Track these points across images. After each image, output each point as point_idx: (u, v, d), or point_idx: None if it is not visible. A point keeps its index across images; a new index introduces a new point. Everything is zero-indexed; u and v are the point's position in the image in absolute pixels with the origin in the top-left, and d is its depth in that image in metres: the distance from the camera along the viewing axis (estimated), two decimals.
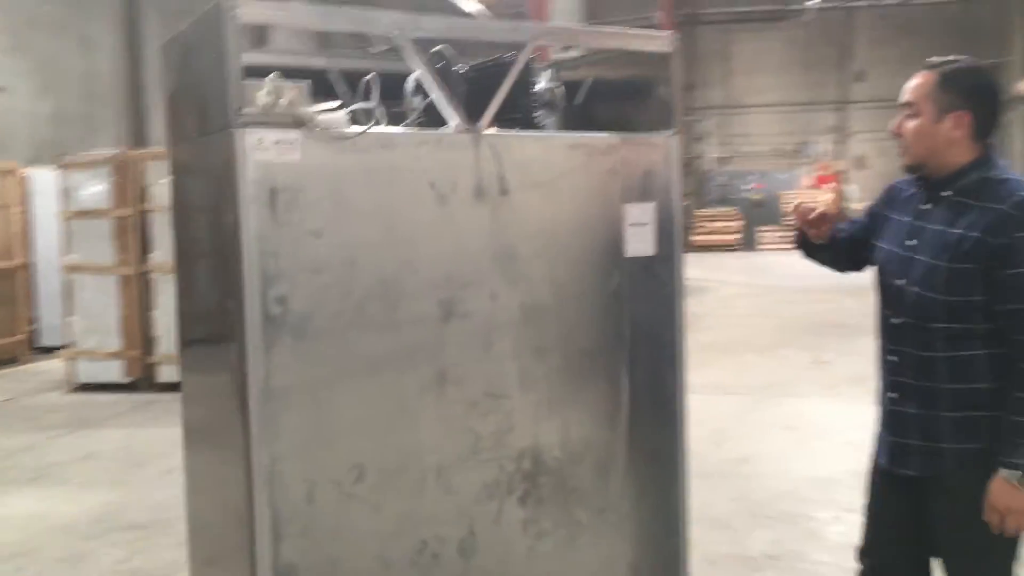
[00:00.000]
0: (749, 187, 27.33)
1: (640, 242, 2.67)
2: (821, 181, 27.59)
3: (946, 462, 2.39)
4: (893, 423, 2.51)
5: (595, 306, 2.64)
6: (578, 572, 2.67)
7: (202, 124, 2.36)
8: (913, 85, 2.43)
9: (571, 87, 3.02)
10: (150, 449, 6.24)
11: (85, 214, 8.17)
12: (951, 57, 2.46)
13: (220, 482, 2.49)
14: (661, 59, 2.72)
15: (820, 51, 27.88)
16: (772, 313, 12.35)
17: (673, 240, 2.72)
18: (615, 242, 2.64)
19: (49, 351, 9.75)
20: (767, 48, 27.90)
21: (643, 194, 2.67)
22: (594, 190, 2.61)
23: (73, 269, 8.26)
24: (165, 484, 5.47)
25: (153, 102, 19.24)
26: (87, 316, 8.24)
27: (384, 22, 2.33)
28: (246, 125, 2.14)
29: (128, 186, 8.03)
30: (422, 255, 2.38)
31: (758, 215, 26.41)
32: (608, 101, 3.03)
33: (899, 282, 2.41)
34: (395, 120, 2.55)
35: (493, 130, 2.48)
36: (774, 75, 27.56)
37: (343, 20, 2.29)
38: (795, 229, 2.76)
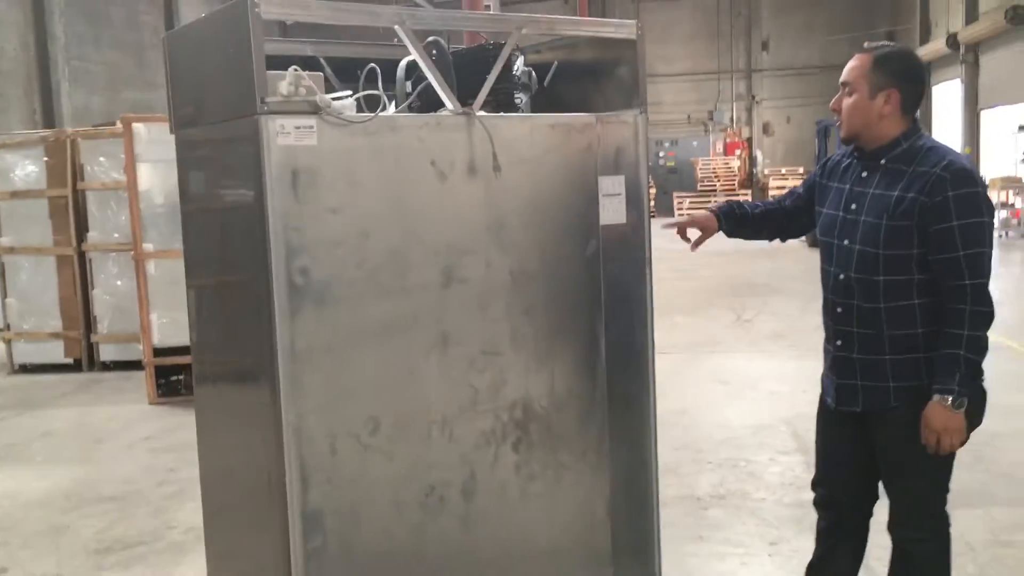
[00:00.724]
0: (663, 155, 27.98)
1: (613, 211, 2.97)
2: (731, 148, 28.44)
3: (888, 399, 2.75)
4: (839, 367, 2.86)
5: (575, 270, 2.92)
6: (563, 509, 2.97)
7: (223, 111, 2.55)
8: (850, 67, 2.77)
9: (538, 70, 3.28)
10: (106, 426, 6.34)
11: (19, 195, 8.09)
12: (883, 42, 2.81)
13: (244, 442, 2.70)
14: (627, 44, 3.01)
15: (728, 21, 28.59)
16: (693, 276, 12.87)
17: (642, 209, 3.02)
18: (592, 211, 2.93)
19: None
20: (677, 18, 28.50)
21: (615, 167, 2.96)
22: (573, 165, 2.89)
23: (8, 251, 8.18)
24: (128, 458, 5.61)
25: (64, 77, 18.76)
26: (24, 298, 8.19)
27: (387, 15, 2.56)
28: (270, 113, 2.35)
29: (63, 166, 7.95)
30: (426, 227, 2.63)
31: (673, 181, 27.10)
32: (573, 82, 3.30)
33: (845, 242, 2.76)
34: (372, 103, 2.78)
35: (483, 112, 2.73)
36: (684, 45, 28.18)
37: (353, 14, 2.51)
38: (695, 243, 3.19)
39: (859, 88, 2.73)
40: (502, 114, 2.85)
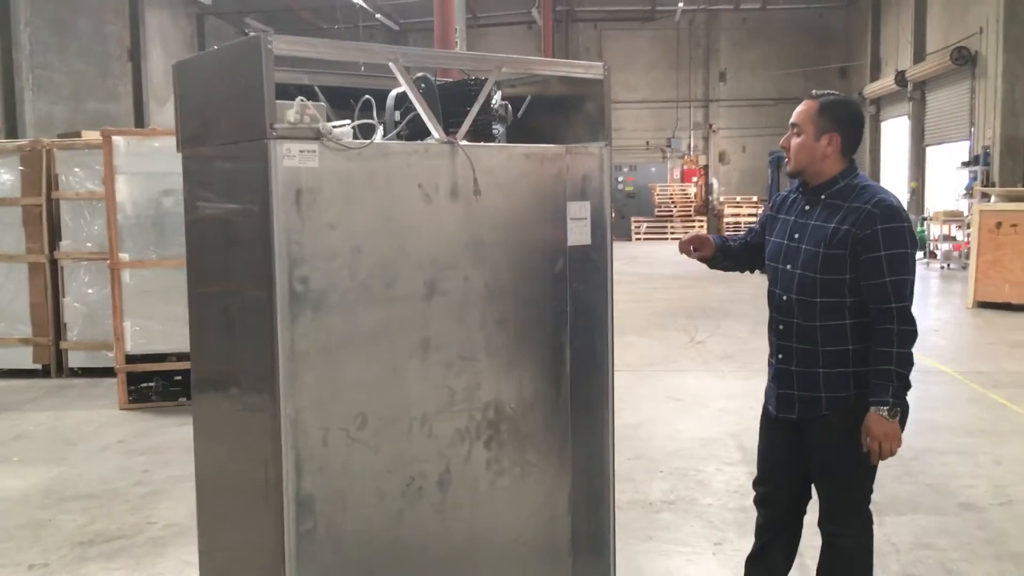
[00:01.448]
0: (621, 180, 28.50)
1: (579, 233, 3.29)
2: (688, 175, 29.07)
3: (820, 407, 3.09)
4: (779, 378, 3.20)
5: (544, 285, 3.24)
6: (529, 502, 3.27)
7: (233, 133, 2.83)
8: (799, 110, 3.13)
9: (513, 102, 3.60)
10: (78, 429, 6.50)
11: None
12: (829, 92, 3.17)
13: (242, 436, 2.96)
14: (595, 83, 3.34)
15: (687, 51, 29.30)
16: (648, 298, 13.27)
17: (605, 232, 3.34)
18: (560, 233, 3.25)
19: None
20: (639, 47, 29.15)
21: (582, 194, 3.28)
22: (544, 190, 3.21)
23: None
24: (103, 460, 5.80)
25: (28, 85, 18.75)
26: None
27: (383, 52, 2.87)
28: (278, 138, 2.64)
29: (38, 175, 8.11)
30: (412, 243, 2.92)
31: (631, 206, 27.62)
32: (544, 115, 3.62)
33: (788, 267, 3.11)
34: (369, 130, 3.08)
35: (464, 142, 3.04)
36: (645, 73, 28.81)
37: (354, 52, 2.82)
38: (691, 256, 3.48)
39: (806, 130, 3.09)
40: (482, 143, 3.16)
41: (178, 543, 4.35)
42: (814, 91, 3.18)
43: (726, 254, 3.51)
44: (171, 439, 6.22)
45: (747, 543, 3.66)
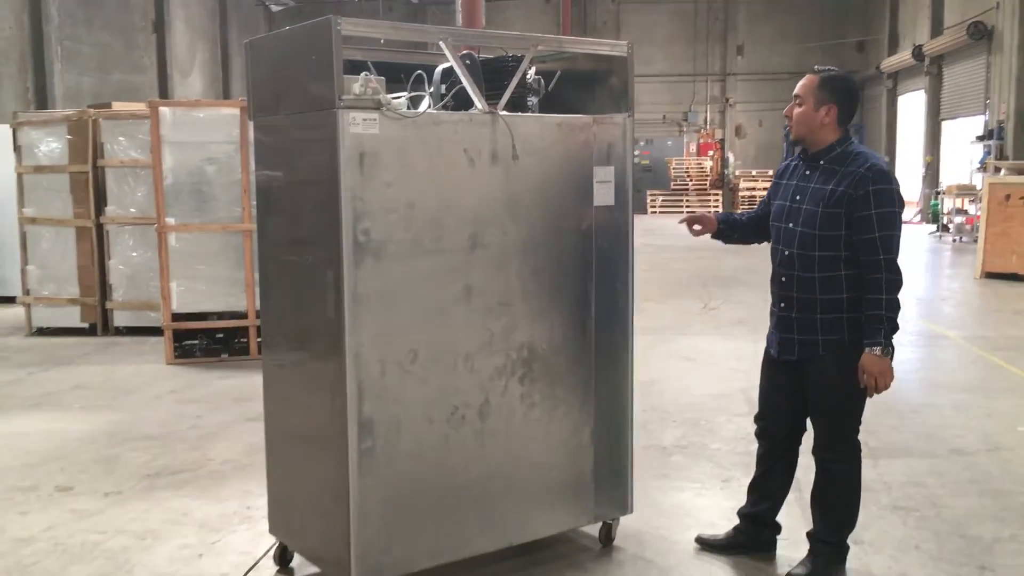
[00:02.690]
0: (637, 153, 28.74)
1: (604, 195, 3.69)
2: (704, 148, 29.28)
3: (817, 349, 3.49)
4: (781, 325, 3.60)
5: (573, 240, 3.65)
6: (557, 433, 3.69)
7: (304, 104, 3.23)
8: (801, 83, 3.51)
9: (545, 76, 3.99)
10: (132, 381, 6.98)
11: (42, 169, 8.68)
12: (828, 67, 3.55)
13: (310, 372, 3.40)
14: (620, 60, 3.73)
15: (705, 25, 29.42)
16: (664, 268, 13.65)
17: (627, 194, 3.75)
18: (587, 194, 3.65)
19: (4, 301, 10.14)
20: (656, 21, 29.28)
21: (607, 160, 3.68)
22: (573, 156, 3.61)
23: (30, 221, 8.77)
24: (160, 406, 6.27)
25: (57, 57, 19.20)
26: (44, 266, 8.79)
27: (434, 32, 3.27)
28: (346, 108, 3.05)
29: (85, 144, 8.55)
30: (458, 201, 3.34)
31: (647, 179, 27.86)
32: (572, 88, 4.01)
33: (790, 225, 3.51)
34: (418, 101, 3.48)
35: (504, 112, 3.44)
36: (662, 47, 28.96)
37: (408, 32, 3.22)
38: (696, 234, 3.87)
39: (807, 101, 3.48)
40: (519, 114, 3.56)
41: (237, 476, 4.80)
42: (816, 66, 3.56)
43: (733, 227, 3.89)
44: (218, 389, 6.69)
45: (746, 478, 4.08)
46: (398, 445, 3.29)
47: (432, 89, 3.59)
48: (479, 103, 3.38)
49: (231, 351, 7.72)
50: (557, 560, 3.79)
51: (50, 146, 8.70)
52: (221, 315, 7.78)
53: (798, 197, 3.53)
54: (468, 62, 3.46)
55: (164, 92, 22.84)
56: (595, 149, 3.65)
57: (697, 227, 3.88)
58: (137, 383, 6.89)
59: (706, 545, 3.91)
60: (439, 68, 3.60)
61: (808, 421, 3.65)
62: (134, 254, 8.59)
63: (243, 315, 7.69)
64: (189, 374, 7.21)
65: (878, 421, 5.50)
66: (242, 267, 7.65)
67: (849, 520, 3.59)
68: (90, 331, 8.79)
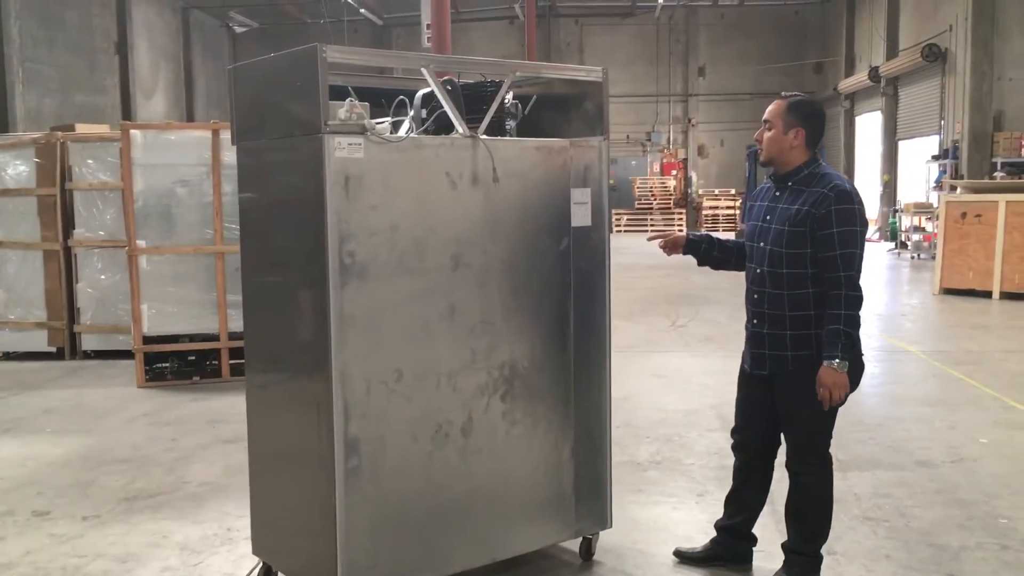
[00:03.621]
0: None
1: (581, 216, 3.79)
2: (668, 168, 29.63)
3: (787, 364, 3.60)
4: (753, 340, 3.71)
5: (552, 260, 3.73)
6: (538, 449, 3.76)
7: (288, 128, 3.29)
8: (770, 109, 3.64)
9: (521, 101, 4.09)
10: (103, 404, 6.94)
11: (9, 192, 8.62)
12: (796, 93, 3.69)
13: (295, 392, 3.44)
14: (595, 85, 3.84)
15: (667, 46, 29.84)
16: (631, 287, 13.80)
17: (603, 215, 3.84)
18: (565, 215, 3.74)
19: None
20: (619, 43, 29.65)
21: (584, 182, 3.78)
22: (551, 178, 3.70)
23: None
24: (132, 430, 6.24)
25: (18, 78, 19.02)
26: (12, 289, 8.71)
27: (415, 59, 3.36)
28: (331, 132, 3.12)
29: (53, 166, 8.51)
30: (440, 222, 3.41)
31: (612, 198, 27.99)
32: (548, 112, 4.11)
33: (760, 244, 3.62)
34: (396, 125, 3.56)
35: (484, 136, 3.53)
36: (625, 68, 29.28)
37: (392, 59, 3.29)
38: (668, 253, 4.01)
39: (776, 125, 3.61)
40: (499, 137, 3.65)
41: (215, 498, 4.81)
42: (783, 92, 3.71)
43: (712, 245, 3.98)
44: (191, 412, 6.67)
45: (724, 492, 4.17)
46: (384, 463, 3.34)
47: (413, 114, 3.67)
48: (460, 127, 3.47)
49: (203, 373, 7.70)
50: (540, 575, 3.85)
51: (17, 169, 8.65)
52: (192, 337, 7.76)
53: (768, 217, 3.65)
54: (449, 88, 3.54)
55: (127, 113, 22.69)
56: (572, 171, 3.75)
57: (668, 247, 3.98)
58: (109, 406, 6.86)
59: (684, 558, 3.99)
60: (419, 93, 3.68)
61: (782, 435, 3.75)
62: (103, 277, 8.55)
63: (215, 337, 7.68)
64: (161, 397, 7.18)
65: (846, 434, 5.63)
66: (214, 289, 7.65)
67: (822, 531, 3.70)
68: (58, 355, 8.71)
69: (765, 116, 3.64)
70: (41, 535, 4.33)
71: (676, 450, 5.64)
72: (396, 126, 3.50)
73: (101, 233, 8.52)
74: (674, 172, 29.35)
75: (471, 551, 3.60)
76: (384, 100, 3.71)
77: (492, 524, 3.64)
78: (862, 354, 3.57)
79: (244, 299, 3.72)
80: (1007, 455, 5.47)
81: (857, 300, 3.45)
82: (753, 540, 3.92)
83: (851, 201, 3.48)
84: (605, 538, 4.08)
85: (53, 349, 8.75)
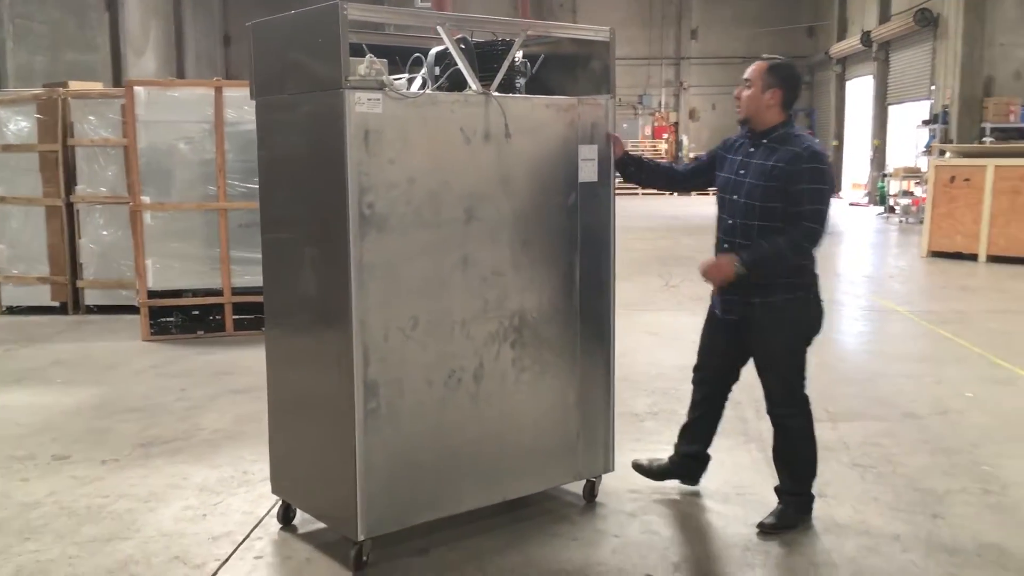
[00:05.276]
0: None
1: (588, 172, 3.93)
2: (659, 131, 29.68)
3: (755, 309, 3.81)
4: (724, 287, 3.88)
5: (560, 214, 3.88)
6: (545, 395, 3.93)
7: (309, 84, 3.41)
8: (751, 68, 3.84)
9: (529, 59, 4.21)
10: (110, 356, 7.08)
11: (11, 148, 8.68)
12: (776, 55, 3.86)
13: (316, 340, 3.59)
14: (602, 45, 3.96)
15: (660, 9, 29.74)
16: (625, 248, 13.87)
17: (609, 171, 3.99)
18: (573, 171, 3.88)
19: None
20: (611, 4, 29.51)
21: (591, 139, 3.91)
22: (560, 136, 3.84)
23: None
24: (141, 381, 6.39)
25: (8, 35, 18.88)
26: (14, 245, 8.80)
27: (431, 17, 3.47)
28: (352, 88, 3.24)
29: (54, 123, 8.56)
30: (454, 177, 3.55)
31: None
32: (555, 71, 4.23)
33: (734, 197, 3.81)
34: (410, 83, 3.67)
35: (496, 93, 3.65)
36: (618, 30, 28.91)
37: (408, 16, 3.41)
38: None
39: (755, 84, 3.80)
40: (511, 95, 3.77)
41: (229, 444, 4.97)
42: (764, 54, 3.88)
43: (640, 168, 4.21)
44: (198, 364, 6.82)
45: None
46: (401, 406, 3.50)
47: (425, 71, 3.78)
48: (474, 84, 3.59)
49: (207, 328, 7.84)
50: (546, 515, 4.05)
51: (19, 125, 8.70)
52: (196, 292, 7.89)
53: (742, 171, 3.83)
54: (463, 46, 3.65)
55: (117, 71, 22.53)
56: (580, 128, 3.88)
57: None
58: (116, 359, 7.00)
59: (642, 471, 4.32)
60: (433, 51, 3.79)
61: (740, 373, 4.07)
62: (104, 233, 8.65)
63: (219, 292, 7.80)
64: (167, 350, 7.33)
65: (836, 388, 5.84)
66: (217, 245, 7.76)
67: (811, 470, 3.92)
68: (61, 310, 8.83)
69: (745, 75, 3.83)
70: (63, 476, 4.49)
71: (672, 402, 5.82)
72: (411, 83, 3.62)
73: (103, 189, 8.60)
74: (665, 136, 29.43)
75: (481, 491, 3.78)
76: (399, 57, 3.83)
77: (501, 466, 3.82)
78: (820, 299, 3.85)
79: (264, 252, 3.85)
80: (990, 408, 5.68)
81: (802, 248, 3.70)
82: (705, 461, 4.27)
83: (822, 162, 3.71)
84: (606, 481, 4.27)
85: (56, 304, 8.86)
